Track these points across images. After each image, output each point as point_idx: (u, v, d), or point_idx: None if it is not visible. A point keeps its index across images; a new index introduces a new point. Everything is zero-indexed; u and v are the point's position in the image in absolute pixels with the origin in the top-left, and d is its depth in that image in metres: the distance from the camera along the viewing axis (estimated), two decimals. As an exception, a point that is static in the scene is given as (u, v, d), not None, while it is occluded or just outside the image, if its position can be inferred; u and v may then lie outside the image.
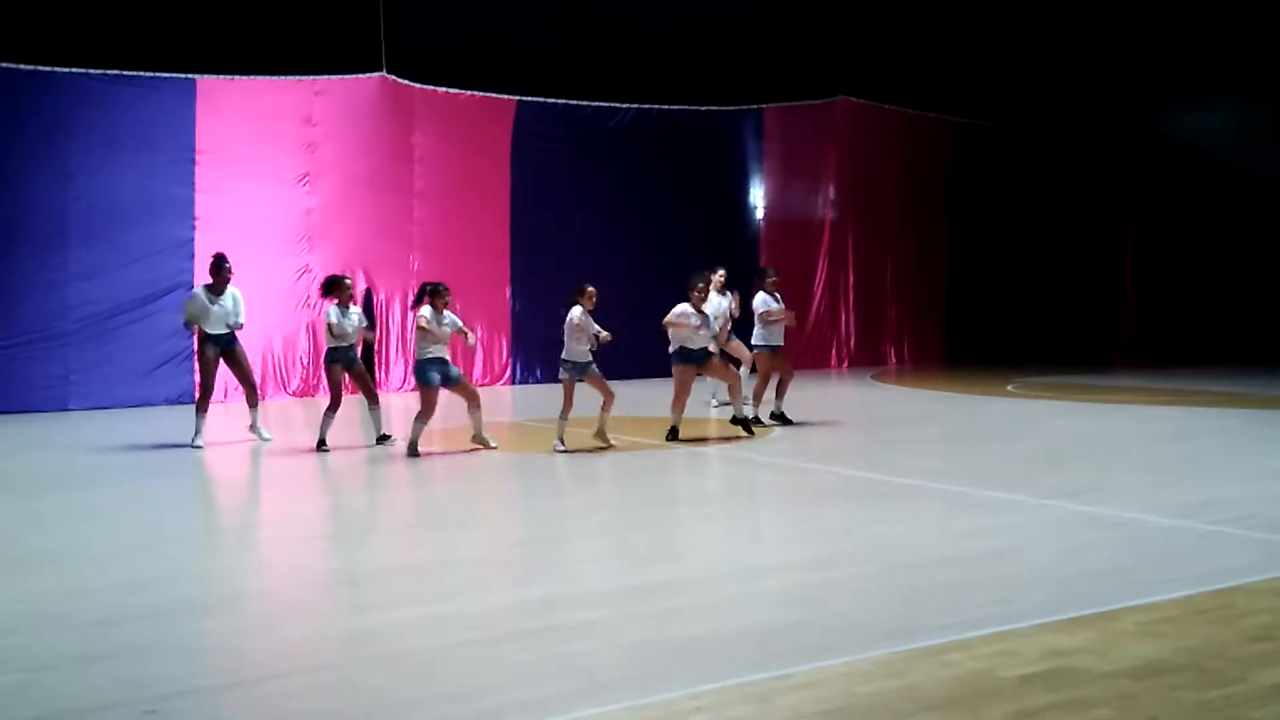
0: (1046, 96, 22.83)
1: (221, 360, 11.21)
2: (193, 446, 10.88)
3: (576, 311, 10.25)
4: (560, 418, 10.26)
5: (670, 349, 10.84)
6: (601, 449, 10.25)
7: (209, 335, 11.09)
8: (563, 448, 10.15)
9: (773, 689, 3.93)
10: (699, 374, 11.00)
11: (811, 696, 3.86)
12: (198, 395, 11.42)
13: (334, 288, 10.84)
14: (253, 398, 11.41)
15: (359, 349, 11.02)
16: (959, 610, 4.86)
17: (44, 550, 6.58)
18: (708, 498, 8.51)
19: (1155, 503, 7.24)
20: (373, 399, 11.06)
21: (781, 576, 5.60)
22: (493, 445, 10.46)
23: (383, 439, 10.85)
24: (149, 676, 4.19)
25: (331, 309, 10.74)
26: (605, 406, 10.40)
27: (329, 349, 10.81)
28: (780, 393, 11.98)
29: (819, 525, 6.98)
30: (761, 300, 12.04)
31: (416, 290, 10.73)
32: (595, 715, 3.73)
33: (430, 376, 10.13)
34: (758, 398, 12.01)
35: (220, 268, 11.13)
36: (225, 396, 15.39)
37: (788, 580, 5.51)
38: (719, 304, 13.03)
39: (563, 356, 10.31)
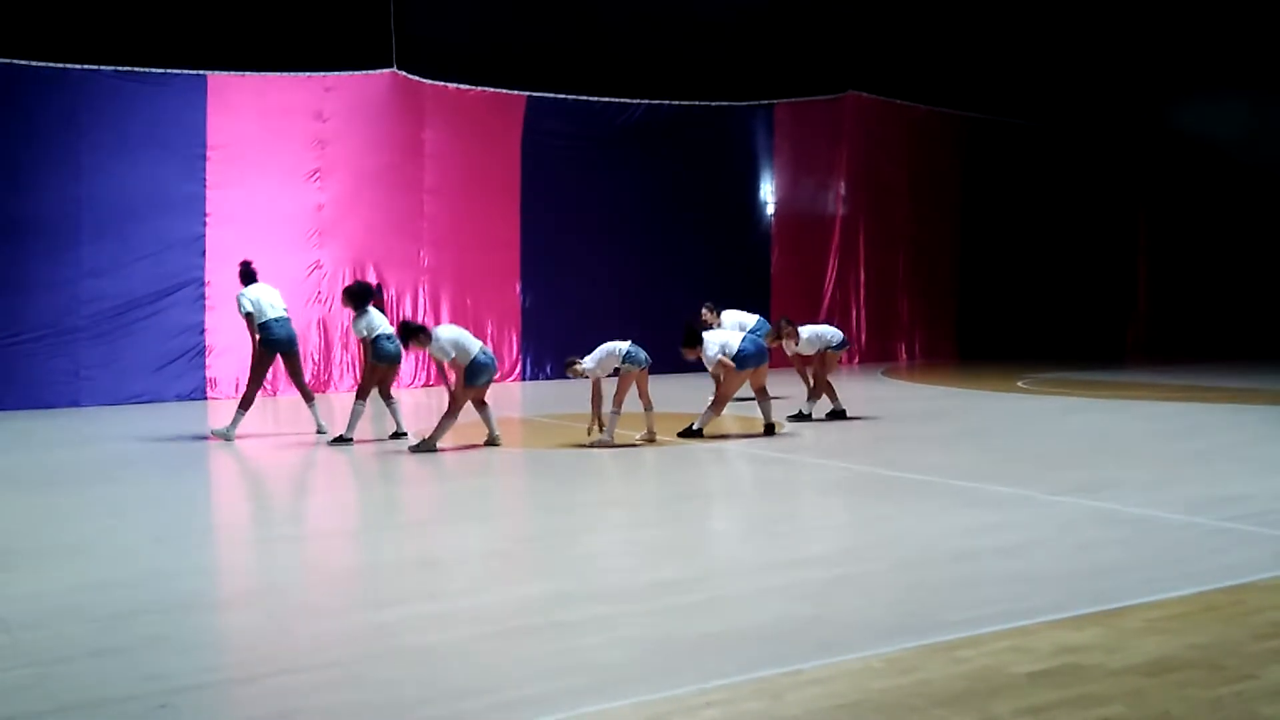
0: (1058, 92, 22.76)
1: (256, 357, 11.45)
2: (228, 438, 11.02)
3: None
4: (615, 411, 10.22)
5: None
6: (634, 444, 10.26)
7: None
8: (610, 441, 10.16)
9: (783, 685, 3.93)
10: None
11: (822, 692, 3.86)
12: (249, 389, 11.40)
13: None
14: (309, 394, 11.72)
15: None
16: (969, 606, 4.86)
17: (57, 545, 6.61)
18: (718, 493, 8.51)
19: (1166, 499, 7.22)
20: (386, 394, 11.11)
21: (792, 572, 5.60)
22: (497, 439, 10.42)
23: (397, 435, 10.88)
24: (162, 670, 4.21)
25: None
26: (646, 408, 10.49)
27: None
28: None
29: (829, 521, 6.98)
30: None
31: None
32: (605, 711, 3.74)
33: (480, 379, 10.08)
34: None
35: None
36: (236, 392, 15.46)
37: (798, 576, 5.51)
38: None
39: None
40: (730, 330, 12.27)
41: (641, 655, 4.32)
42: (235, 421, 11.12)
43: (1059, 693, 3.80)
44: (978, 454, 9.64)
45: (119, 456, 10.45)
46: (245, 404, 11.22)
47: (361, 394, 10.91)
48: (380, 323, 10.81)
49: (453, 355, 9.93)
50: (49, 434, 12.27)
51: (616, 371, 10.31)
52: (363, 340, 10.82)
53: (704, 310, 13.69)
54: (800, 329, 11.90)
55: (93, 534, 6.96)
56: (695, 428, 10.65)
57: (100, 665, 4.31)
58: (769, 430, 10.84)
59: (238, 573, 6.11)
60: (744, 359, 10.60)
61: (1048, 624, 4.57)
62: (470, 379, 9.99)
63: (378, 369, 10.85)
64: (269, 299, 11.23)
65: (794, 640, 4.45)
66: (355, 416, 10.77)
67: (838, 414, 11.97)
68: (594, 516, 7.48)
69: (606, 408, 10.25)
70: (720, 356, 10.48)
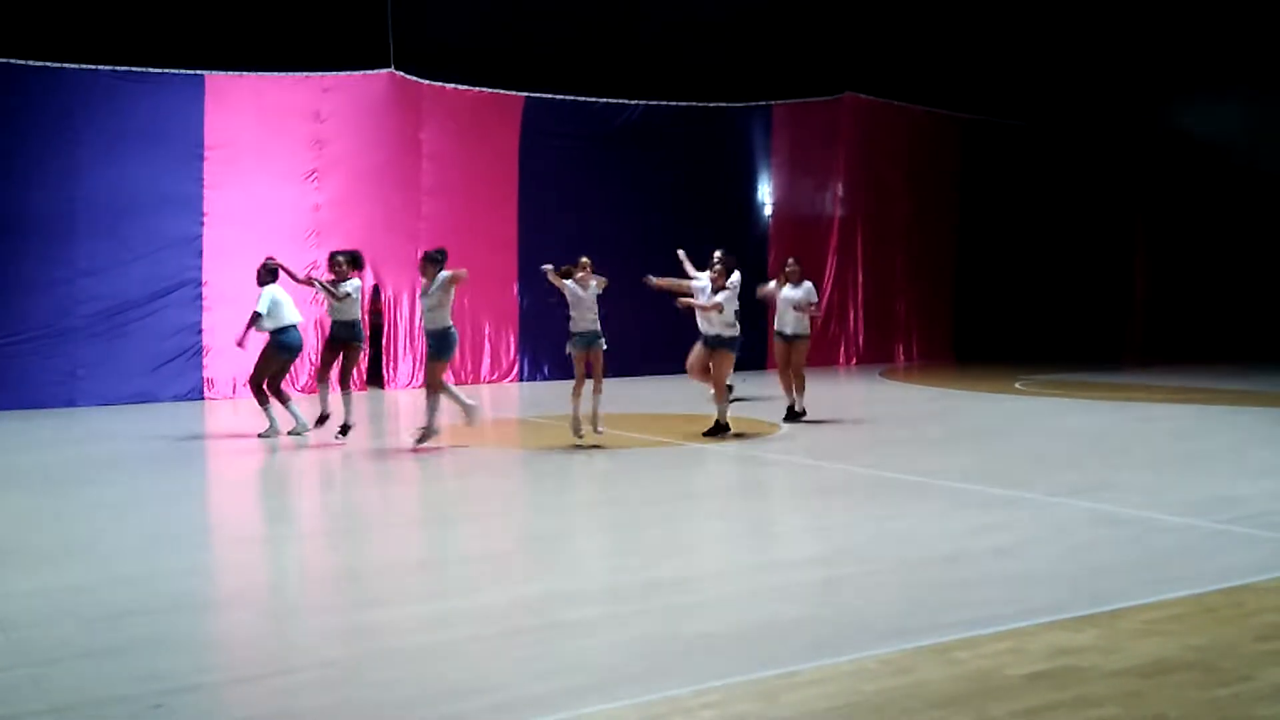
0: (1056, 93, 22.76)
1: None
2: (303, 430, 11.00)
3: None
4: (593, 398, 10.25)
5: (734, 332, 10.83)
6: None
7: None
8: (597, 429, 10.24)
9: (779, 686, 3.93)
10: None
11: (818, 694, 3.85)
12: (272, 385, 11.38)
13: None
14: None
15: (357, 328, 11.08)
16: (965, 608, 4.86)
17: (52, 546, 6.60)
18: (714, 494, 8.51)
19: (1163, 501, 7.22)
20: (344, 383, 11.28)
21: (788, 573, 5.60)
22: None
23: (344, 429, 10.74)
24: (156, 671, 4.20)
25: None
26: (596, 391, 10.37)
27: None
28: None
29: (826, 522, 6.98)
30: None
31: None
32: (602, 711, 3.73)
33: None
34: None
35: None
36: (234, 392, 15.44)
37: (794, 577, 5.51)
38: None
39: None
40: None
41: (637, 656, 4.31)
42: (296, 415, 11.03)
43: (1055, 694, 3.80)
44: (975, 455, 9.64)
45: (114, 457, 10.43)
46: (282, 400, 11.25)
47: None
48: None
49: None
50: (44, 434, 12.24)
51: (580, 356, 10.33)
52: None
53: (718, 254, 12.01)
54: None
55: (88, 534, 6.95)
56: (721, 424, 10.70)
57: (94, 665, 4.30)
58: (720, 429, 10.69)
59: (233, 573, 6.10)
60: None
61: (1044, 625, 4.56)
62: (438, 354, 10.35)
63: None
64: (290, 305, 11.31)
65: (790, 641, 4.44)
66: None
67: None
68: (591, 517, 7.48)
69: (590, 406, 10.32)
70: (722, 299, 10.65)
